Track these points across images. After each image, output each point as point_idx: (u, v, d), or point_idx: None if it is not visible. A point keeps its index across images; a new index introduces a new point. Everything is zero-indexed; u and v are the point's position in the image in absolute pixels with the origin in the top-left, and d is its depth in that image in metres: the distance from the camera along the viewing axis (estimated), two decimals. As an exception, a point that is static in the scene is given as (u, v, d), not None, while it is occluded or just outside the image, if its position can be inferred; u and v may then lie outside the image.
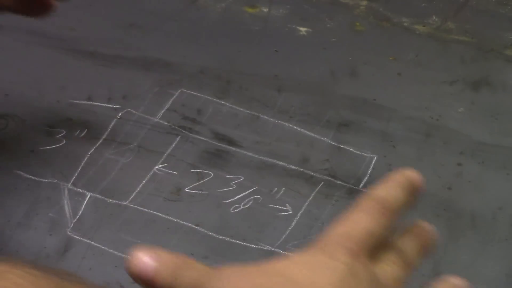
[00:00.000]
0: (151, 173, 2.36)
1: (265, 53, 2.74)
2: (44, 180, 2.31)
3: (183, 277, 1.03)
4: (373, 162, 2.43)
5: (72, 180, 2.33)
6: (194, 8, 2.86)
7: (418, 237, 1.34)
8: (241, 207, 2.31)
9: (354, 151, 2.46)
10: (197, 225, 2.26)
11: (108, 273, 2.15)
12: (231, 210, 2.30)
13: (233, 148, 2.44)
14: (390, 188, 1.28)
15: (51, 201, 2.27)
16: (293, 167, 2.41)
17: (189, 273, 1.05)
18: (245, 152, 2.44)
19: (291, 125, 2.52)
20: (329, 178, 2.39)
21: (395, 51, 2.80)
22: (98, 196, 2.30)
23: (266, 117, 2.53)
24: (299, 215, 2.31)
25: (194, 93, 2.58)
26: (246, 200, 2.32)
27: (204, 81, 2.62)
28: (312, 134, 2.50)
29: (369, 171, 2.42)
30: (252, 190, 2.34)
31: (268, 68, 2.68)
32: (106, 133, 2.45)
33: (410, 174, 1.36)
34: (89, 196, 2.30)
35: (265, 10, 2.86)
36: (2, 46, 2.67)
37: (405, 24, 2.87)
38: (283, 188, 2.35)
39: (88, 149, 2.41)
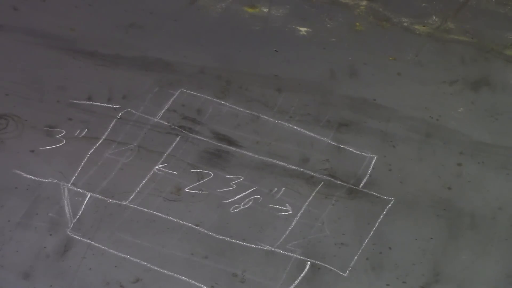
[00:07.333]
0: (151, 173, 2.36)
1: (265, 53, 2.74)
2: (44, 180, 2.31)
3: None
4: (373, 162, 2.43)
5: (72, 180, 2.33)
6: (194, 8, 2.86)
7: None
8: (241, 207, 2.31)
9: (354, 151, 2.46)
10: (197, 225, 2.26)
11: (108, 273, 2.15)
12: (231, 210, 2.30)
13: (233, 148, 2.44)
14: None
15: (51, 201, 2.27)
16: (293, 167, 2.41)
17: None
18: (245, 152, 2.44)
19: (291, 125, 2.52)
20: (329, 178, 2.38)
21: (395, 51, 2.80)
22: (98, 196, 2.30)
23: (266, 117, 2.53)
24: (299, 215, 2.30)
25: (194, 93, 2.58)
26: (246, 200, 2.32)
27: (204, 81, 2.62)
28: (312, 134, 2.50)
29: (369, 171, 2.42)
30: (252, 190, 2.34)
31: (268, 68, 2.68)
32: (106, 133, 2.45)
33: None
34: (89, 196, 2.29)
35: (265, 10, 2.86)
36: (2, 46, 2.66)
37: (405, 24, 2.87)
38: (283, 188, 2.34)
39: (88, 149, 2.41)
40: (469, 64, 2.79)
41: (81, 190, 2.33)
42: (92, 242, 2.22)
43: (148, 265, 2.21)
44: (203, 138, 2.49)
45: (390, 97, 2.64)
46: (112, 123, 2.50)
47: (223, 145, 2.47)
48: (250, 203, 2.35)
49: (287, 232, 2.29)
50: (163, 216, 2.29)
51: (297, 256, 2.25)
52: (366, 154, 2.49)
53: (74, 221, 2.27)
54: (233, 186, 2.38)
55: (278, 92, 2.62)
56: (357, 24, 2.91)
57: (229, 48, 2.76)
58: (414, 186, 2.40)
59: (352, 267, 2.24)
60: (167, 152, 2.44)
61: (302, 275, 2.21)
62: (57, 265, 2.16)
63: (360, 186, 2.40)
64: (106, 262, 2.18)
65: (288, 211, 2.34)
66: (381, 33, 2.88)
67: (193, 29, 2.82)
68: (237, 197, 2.36)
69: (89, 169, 2.38)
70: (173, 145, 2.47)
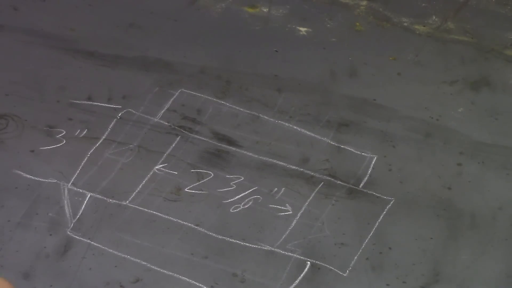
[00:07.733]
0: (151, 173, 2.36)
1: (265, 53, 2.74)
2: (44, 180, 2.31)
3: None
4: (373, 162, 2.43)
5: (72, 180, 2.33)
6: (194, 8, 2.86)
7: None
8: (241, 207, 2.31)
9: (354, 151, 2.46)
10: (197, 225, 2.26)
11: (108, 273, 2.16)
12: (231, 210, 2.30)
13: (233, 148, 2.44)
14: None
15: (51, 201, 2.27)
16: (293, 167, 2.41)
17: None
18: (245, 152, 2.44)
19: (291, 125, 2.52)
20: (329, 178, 2.39)
21: (395, 51, 2.80)
22: (98, 196, 2.30)
23: (266, 117, 2.53)
24: (299, 215, 2.31)
25: (194, 93, 2.58)
26: (246, 200, 2.32)
27: (204, 81, 2.62)
28: (312, 134, 2.50)
29: (369, 171, 2.42)
30: (252, 190, 2.34)
31: (268, 68, 2.68)
32: (106, 133, 2.45)
33: None
34: (89, 196, 2.30)
35: (265, 10, 2.86)
36: (2, 46, 2.67)
37: (405, 24, 2.87)
38: (283, 188, 2.34)
39: (88, 149, 2.41)
40: (469, 64, 2.79)
41: (81, 190, 2.33)
42: (92, 242, 2.22)
43: (148, 265, 2.21)
44: (203, 138, 2.49)
45: (390, 97, 2.65)
46: (112, 123, 2.50)
47: (223, 145, 2.47)
48: (250, 203, 2.35)
49: (287, 232, 2.30)
50: (163, 216, 2.30)
51: (297, 256, 2.25)
52: (366, 154, 2.49)
53: (74, 221, 2.27)
54: (233, 186, 2.38)
55: (278, 92, 2.62)
56: (357, 24, 2.91)
57: (229, 48, 2.76)
58: (414, 186, 2.40)
59: (352, 267, 2.24)
60: (167, 152, 2.45)
61: (302, 275, 2.22)
62: (57, 265, 2.16)
63: (360, 186, 2.40)
64: (106, 262, 2.18)
65: (288, 211, 2.34)
66: (381, 33, 2.89)
67: (193, 29, 2.82)
68: (237, 197, 2.36)
69: (89, 169, 2.38)
70: (173, 145, 2.47)
